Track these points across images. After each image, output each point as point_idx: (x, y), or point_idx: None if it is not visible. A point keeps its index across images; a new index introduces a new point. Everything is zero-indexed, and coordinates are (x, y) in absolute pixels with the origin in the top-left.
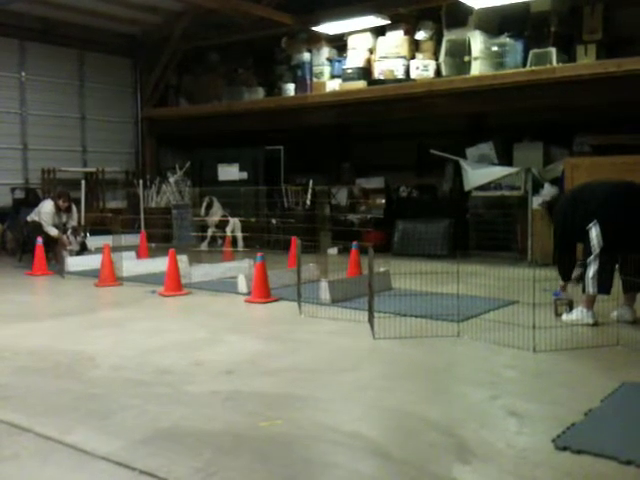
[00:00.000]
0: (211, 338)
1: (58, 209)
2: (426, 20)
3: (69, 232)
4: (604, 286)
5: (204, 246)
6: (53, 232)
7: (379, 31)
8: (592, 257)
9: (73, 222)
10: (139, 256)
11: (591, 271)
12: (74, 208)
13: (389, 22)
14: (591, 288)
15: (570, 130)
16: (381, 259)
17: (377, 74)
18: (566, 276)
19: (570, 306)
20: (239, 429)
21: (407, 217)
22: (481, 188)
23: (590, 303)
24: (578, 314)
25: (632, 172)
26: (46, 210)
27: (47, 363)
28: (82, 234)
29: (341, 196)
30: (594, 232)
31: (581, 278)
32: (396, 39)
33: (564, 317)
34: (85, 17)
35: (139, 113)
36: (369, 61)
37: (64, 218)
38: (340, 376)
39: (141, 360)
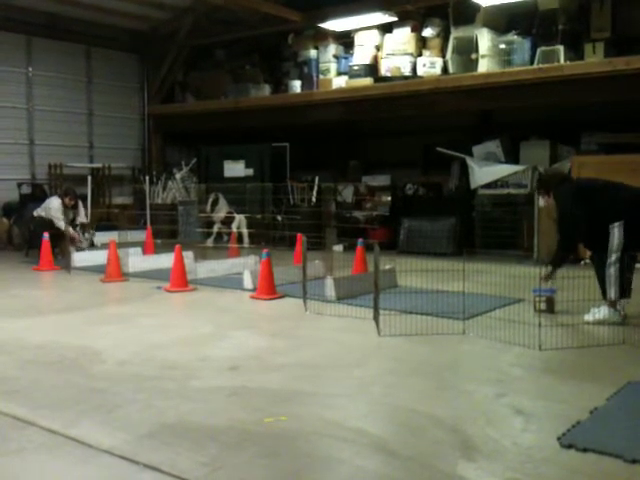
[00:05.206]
0: (216, 334)
1: (65, 206)
2: (433, 17)
3: (78, 229)
4: (626, 291)
5: (210, 242)
6: (63, 226)
7: (386, 28)
8: (613, 259)
9: (80, 218)
10: (145, 252)
11: (612, 275)
12: (80, 205)
13: (396, 19)
14: (613, 294)
15: (577, 128)
16: (387, 256)
17: (384, 71)
18: (562, 262)
19: (549, 304)
20: (244, 424)
21: (413, 215)
22: (487, 186)
23: (614, 302)
24: (605, 313)
25: (639, 171)
26: (54, 207)
27: (53, 357)
28: (91, 231)
29: (347, 193)
30: (617, 233)
31: (601, 281)
32: (403, 36)
33: (586, 317)
34: (92, 12)
35: (146, 109)
36: (376, 58)
37: (71, 215)
38: (345, 373)
39: (146, 355)
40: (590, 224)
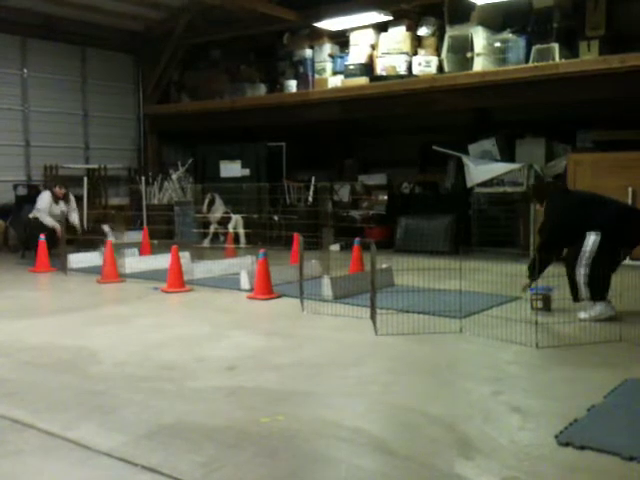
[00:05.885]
0: (214, 334)
1: (55, 198)
2: (428, 16)
3: (106, 227)
4: (598, 291)
5: (206, 243)
6: (48, 221)
7: (381, 27)
8: (584, 262)
9: (73, 212)
10: (141, 253)
11: (582, 277)
12: (72, 197)
13: (391, 18)
14: (584, 294)
15: (573, 126)
16: (383, 255)
17: (379, 70)
18: (540, 273)
19: (545, 302)
20: (242, 424)
21: (410, 213)
22: (483, 184)
23: (603, 298)
24: (599, 309)
25: (635, 168)
26: (43, 200)
27: (50, 359)
28: (123, 230)
29: (343, 192)
30: (592, 239)
31: (571, 284)
32: (398, 35)
33: (582, 315)
34: (87, 13)
35: (141, 109)
36: (371, 57)
37: (63, 207)
38: (342, 372)
39: (144, 356)
40: (572, 233)
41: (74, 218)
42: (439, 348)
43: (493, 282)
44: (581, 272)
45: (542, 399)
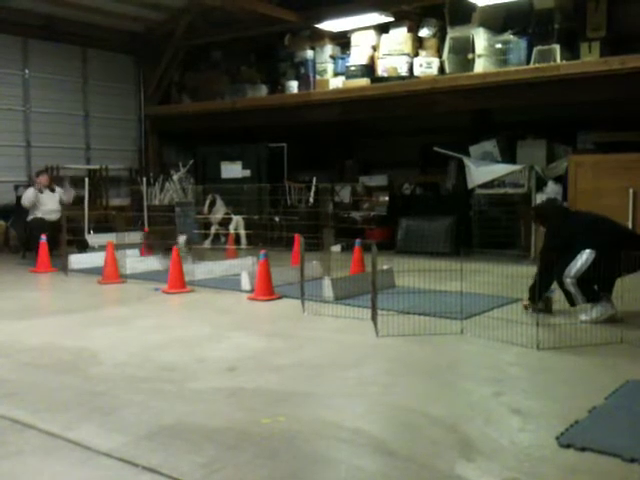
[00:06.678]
0: (214, 335)
1: (39, 187)
2: (430, 17)
3: (182, 244)
4: (591, 293)
5: (207, 244)
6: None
7: (382, 28)
8: (571, 273)
9: (66, 197)
10: (142, 253)
11: (570, 287)
12: (57, 187)
13: (392, 19)
14: (580, 300)
15: (574, 127)
16: (384, 256)
17: (380, 71)
18: (540, 295)
19: (547, 303)
20: (242, 425)
21: (410, 214)
22: (484, 186)
23: (601, 298)
24: (599, 309)
25: (636, 169)
26: (25, 198)
27: (50, 360)
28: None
29: (344, 193)
30: (585, 256)
31: (566, 295)
32: (399, 36)
33: (584, 317)
34: (88, 14)
35: (142, 110)
36: (372, 58)
37: (50, 197)
38: (343, 373)
39: (144, 357)
40: (571, 255)
41: (68, 198)
42: (440, 349)
43: (494, 284)
44: (568, 281)
45: (543, 400)
